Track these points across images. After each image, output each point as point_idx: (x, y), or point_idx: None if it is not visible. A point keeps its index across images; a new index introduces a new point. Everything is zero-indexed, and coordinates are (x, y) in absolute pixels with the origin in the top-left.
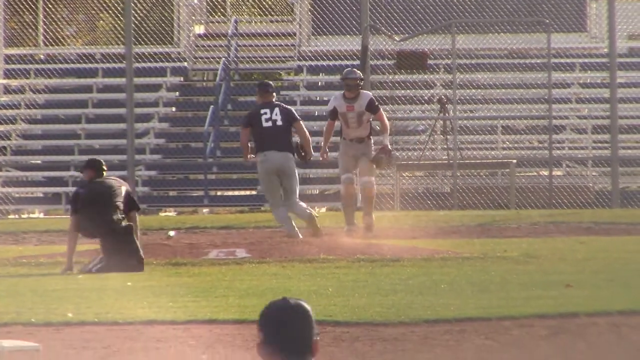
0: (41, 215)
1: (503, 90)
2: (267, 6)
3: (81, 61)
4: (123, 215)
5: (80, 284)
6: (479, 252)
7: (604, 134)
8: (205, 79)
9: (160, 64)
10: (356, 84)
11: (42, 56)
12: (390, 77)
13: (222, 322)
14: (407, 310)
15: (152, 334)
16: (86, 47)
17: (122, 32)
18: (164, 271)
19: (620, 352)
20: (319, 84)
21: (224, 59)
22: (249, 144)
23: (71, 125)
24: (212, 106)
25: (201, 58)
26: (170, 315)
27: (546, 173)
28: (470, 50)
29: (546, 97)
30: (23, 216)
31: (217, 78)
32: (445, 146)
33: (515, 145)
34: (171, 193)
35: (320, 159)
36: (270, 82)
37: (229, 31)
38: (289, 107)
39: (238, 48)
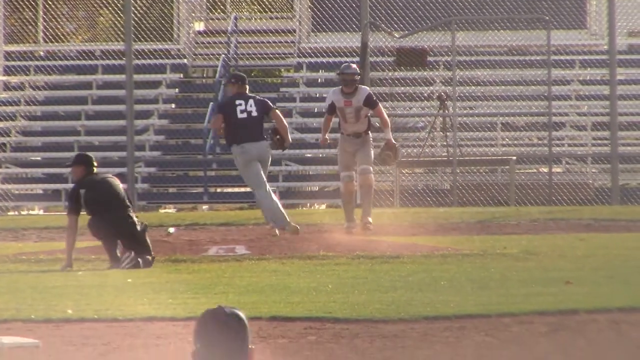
0: (41, 212)
1: (503, 87)
2: (266, 3)
3: (81, 58)
4: (136, 215)
5: (80, 280)
6: (479, 249)
7: (603, 131)
8: (205, 75)
9: (160, 61)
10: (353, 79)
11: (42, 53)
12: (390, 74)
13: None
14: (406, 307)
15: (152, 331)
16: (86, 43)
17: (121, 29)
18: (163, 268)
19: (620, 349)
20: (319, 80)
21: (223, 55)
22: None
23: (71, 122)
24: (211, 103)
25: (201, 55)
26: (170, 311)
27: (546, 170)
28: (469, 47)
29: (546, 94)
30: (23, 213)
31: (217, 75)
32: (445, 143)
33: (515, 142)
34: (171, 190)
35: (321, 144)
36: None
37: (229, 28)
38: (263, 98)
39: (238, 45)
